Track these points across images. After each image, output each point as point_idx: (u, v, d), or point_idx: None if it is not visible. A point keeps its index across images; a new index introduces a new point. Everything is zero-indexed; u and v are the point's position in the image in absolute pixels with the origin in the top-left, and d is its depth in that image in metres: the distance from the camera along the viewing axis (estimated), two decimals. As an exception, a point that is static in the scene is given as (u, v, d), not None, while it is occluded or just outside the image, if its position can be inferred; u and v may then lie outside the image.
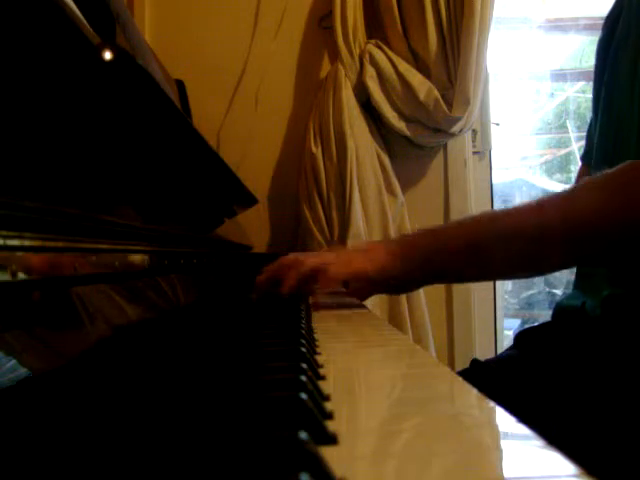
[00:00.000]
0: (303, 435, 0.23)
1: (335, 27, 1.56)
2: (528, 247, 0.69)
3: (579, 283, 0.87)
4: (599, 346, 0.72)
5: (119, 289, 0.44)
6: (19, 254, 0.30)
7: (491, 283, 1.73)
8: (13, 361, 0.27)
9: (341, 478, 0.22)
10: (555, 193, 0.71)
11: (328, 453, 0.23)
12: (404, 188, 1.64)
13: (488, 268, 0.77)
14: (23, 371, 0.27)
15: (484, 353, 1.62)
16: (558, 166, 2.43)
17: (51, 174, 0.34)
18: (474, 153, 1.73)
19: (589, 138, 0.92)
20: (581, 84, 2.26)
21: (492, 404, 0.32)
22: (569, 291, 0.90)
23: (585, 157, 0.95)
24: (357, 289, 0.87)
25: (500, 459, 0.26)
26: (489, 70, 1.68)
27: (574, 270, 0.90)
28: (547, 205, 0.69)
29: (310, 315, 0.77)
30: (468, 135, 1.68)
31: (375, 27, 1.62)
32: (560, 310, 0.86)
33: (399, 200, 1.60)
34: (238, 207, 1.15)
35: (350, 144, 1.52)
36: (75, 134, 0.39)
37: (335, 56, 1.60)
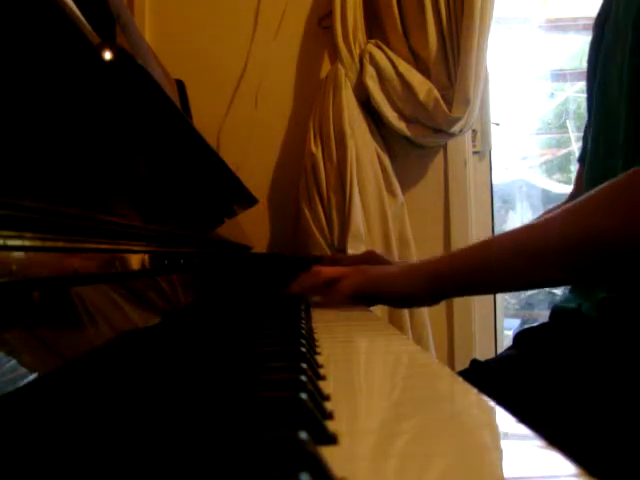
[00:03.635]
0: (303, 435, 0.23)
1: (335, 27, 1.56)
2: (527, 268, 0.70)
3: (575, 286, 0.87)
4: (596, 346, 0.72)
5: (119, 289, 0.44)
6: (19, 254, 0.30)
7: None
8: (13, 361, 0.27)
9: (341, 478, 0.22)
10: (555, 213, 0.71)
11: (328, 453, 0.23)
12: (404, 188, 1.64)
13: (491, 287, 0.84)
14: (23, 371, 0.27)
15: (484, 353, 1.62)
16: (558, 166, 2.43)
17: (51, 174, 0.34)
18: (474, 153, 1.73)
19: (585, 139, 0.92)
20: (581, 84, 2.25)
21: (492, 404, 0.32)
22: (569, 291, 0.90)
23: (582, 158, 0.95)
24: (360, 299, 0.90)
25: (500, 459, 0.26)
26: (489, 70, 1.68)
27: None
28: (547, 225, 0.70)
29: (310, 315, 0.77)
30: (468, 135, 1.68)
31: (375, 27, 1.62)
32: (557, 312, 0.87)
33: (399, 200, 1.60)
34: (238, 207, 1.15)
35: (350, 144, 1.52)
36: (75, 134, 0.39)
37: (335, 56, 1.60)
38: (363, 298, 0.88)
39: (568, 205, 0.70)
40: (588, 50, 0.91)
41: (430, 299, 0.82)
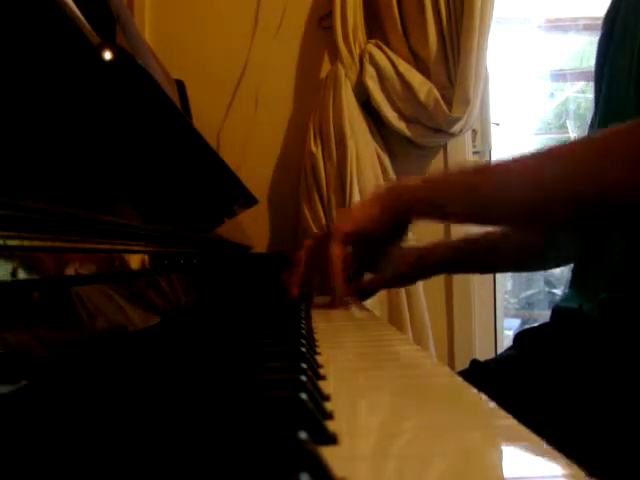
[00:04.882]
0: (303, 435, 0.23)
1: (335, 27, 1.56)
2: (527, 200, 0.66)
3: (575, 283, 0.87)
4: (597, 346, 0.72)
5: (119, 289, 0.44)
6: (19, 254, 0.30)
7: (491, 283, 1.73)
8: (13, 361, 0.27)
9: (341, 478, 0.22)
10: (559, 147, 0.68)
11: (328, 453, 0.23)
12: (404, 188, 1.64)
13: (485, 212, 0.75)
14: (23, 371, 0.27)
15: (484, 353, 1.62)
16: (558, 166, 2.42)
17: (51, 174, 0.34)
18: (474, 153, 1.73)
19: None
20: (581, 84, 2.26)
21: (492, 404, 0.32)
22: (569, 289, 0.90)
23: None
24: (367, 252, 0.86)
25: (500, 459, 0.26)
26: (489, 70, 1.68)
27: (572, 268, 0.90)
28: (550, 159, 0.66)
29: (310, 315, 0.77)
30: (468, 135, 1.68)
31: (375, 27, 1.62)
32: (558, 312, 0.86)
33: (399, 200, 1.60)
34: (238, 207, 1.15)
35: (350, 144, 1.52)
36: (75, 134, 0.39)
37: (335, 56, 1.60)
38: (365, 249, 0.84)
39: (578, 152, 0.65)
40: (597, 47, 0.90)
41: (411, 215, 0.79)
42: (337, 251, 0.80)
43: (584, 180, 0.62)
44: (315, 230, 1.54)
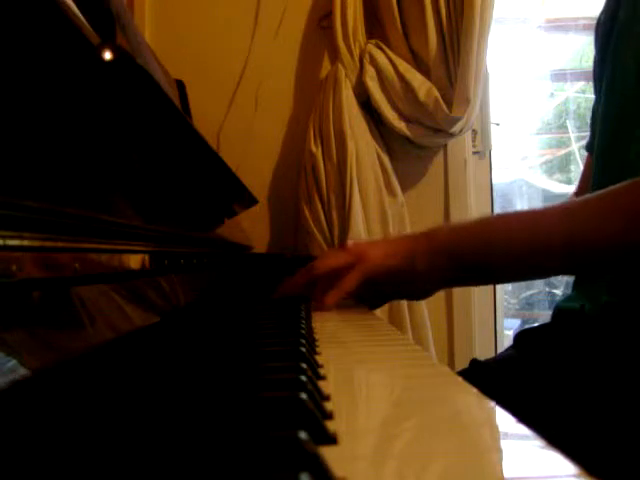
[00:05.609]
0: (303, 435, 0.23)
1: (335, 27, 1.56)
2: (528, 258, 0.70)
3: (578, 285, 0.87)
4: (598, 347, 0.72)
5: (119, 289, 0.44)
6: (19, 254, 0.30)
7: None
8: (13, 361, 0.27)
9: (341, 478, 0.22)
10: (558, 205, 0.71)
11: (328, 453, 0.23)
12: (404, 188, 1.64)
13: (491, 275, 0.80)
14: (23, 371, 0.27)
15: (484, 353, 1.62)
16: (558, 166, 2.43)
17: (51, 174, 0.34)
18: (474, 153, 1.73)
19: (593, 126, 0.91)
20: (581, 84, 2.26)
21: (492, 404, 0.32)
22: (569, 291, 0.90)
23: (589, 146, 0.94)
24: (370, 295, 0.85)
25: (500, 459, 0.26)
26: (489, 70, 1.68)
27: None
28: (548, 219, 0.70)
29: (310, 315, 0.77)
30: (468, 135, 1.68)
31: (375, 27, 1.62)
32: (559, 312, 0.86)
33: (399, 200, 1.60)
34: (238, 207, 1.15)
35: (350, 144, 1.52)
36: (75, 134, 0.39)
37: (335, 56, 1.60)
38: (371, 292, 0.81)
39: (568, 206, 0.70)
40: (599, 23, 0.89)
41: (446, 285, 0.80)
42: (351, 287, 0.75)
43: (582, 236, 0.65)
44: (316, 231, 1.54)
